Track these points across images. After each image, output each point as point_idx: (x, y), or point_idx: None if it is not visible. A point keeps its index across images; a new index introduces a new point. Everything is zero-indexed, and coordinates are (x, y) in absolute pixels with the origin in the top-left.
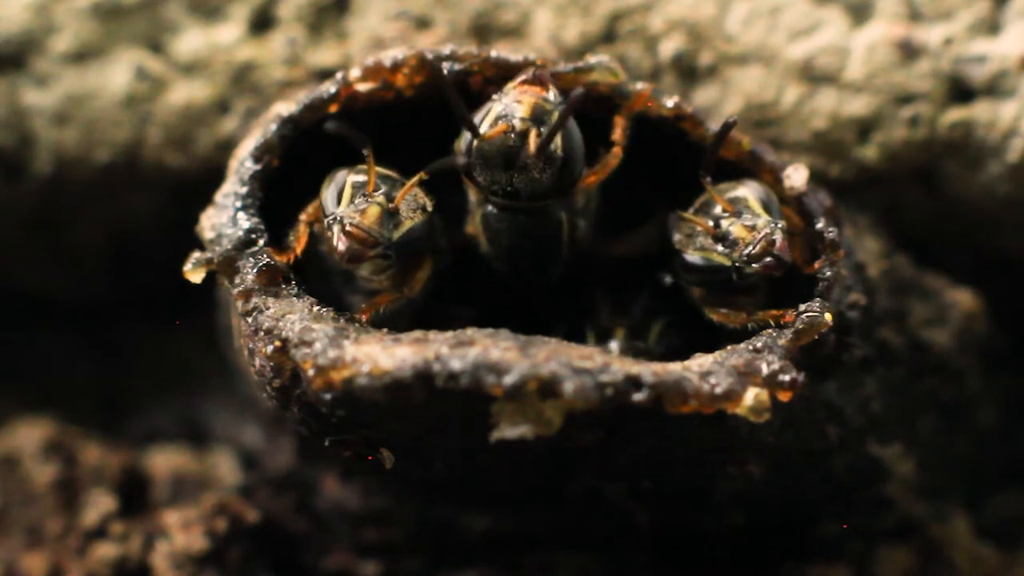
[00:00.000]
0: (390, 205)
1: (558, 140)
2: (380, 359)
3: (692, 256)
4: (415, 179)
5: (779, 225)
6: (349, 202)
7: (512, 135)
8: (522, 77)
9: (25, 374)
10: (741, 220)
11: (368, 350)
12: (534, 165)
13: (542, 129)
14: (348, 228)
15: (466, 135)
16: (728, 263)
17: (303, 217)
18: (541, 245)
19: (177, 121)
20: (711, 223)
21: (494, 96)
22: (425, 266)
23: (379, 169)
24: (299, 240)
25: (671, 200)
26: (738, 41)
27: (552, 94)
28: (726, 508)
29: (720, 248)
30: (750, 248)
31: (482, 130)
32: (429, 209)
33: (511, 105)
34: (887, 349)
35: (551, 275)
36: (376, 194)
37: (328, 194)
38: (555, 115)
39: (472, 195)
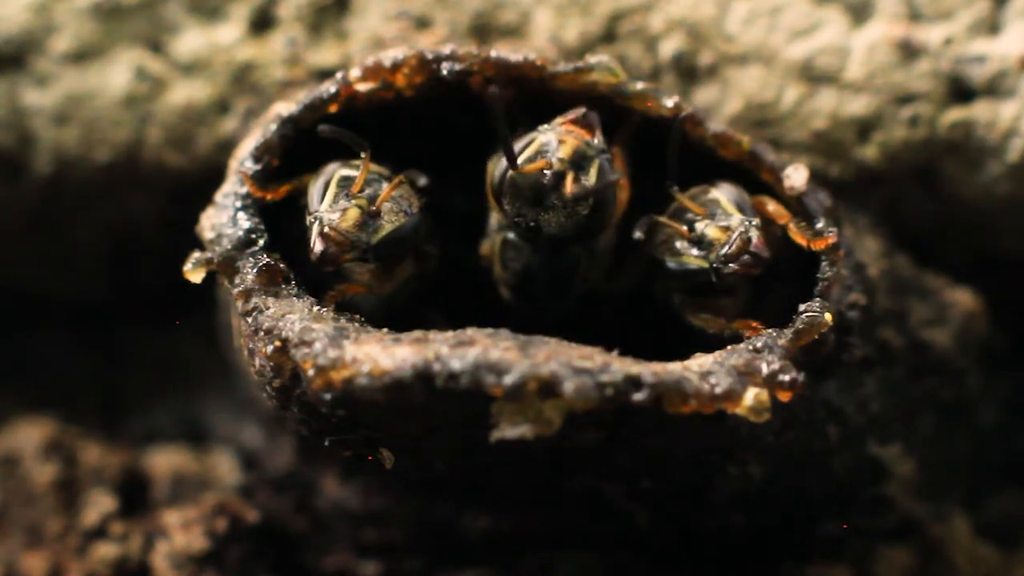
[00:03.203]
0: (372, 207)
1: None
2: (380, 359)
3: (671, 262)
4: (395, 182)
5: (753, 223)
6: (332, 201)
7: (548, 173)
8: (571, 115)
9: (25, 374)
10: (715, 221)
11: (368, 350)
12: (562, 208)
13: (580, 174)
14: (325, 230)
15: (503, 161)
16: (706, 265)
17: (295, 181)
18: (554, 281)
19: (177, 121)
20: (686, 227)
21: (540, 127)
22: (404, 267)
23: (372, 166)
24: (280, 189)
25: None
26: (738, 41)
27: (597, 139)
28: (726, 508)
29: (696, 251)
30: (726, 248)
31: (521, 158)
32: (414, 211)
33: (553, 142)
34: (887, 349)
35: (557, 309)
36: (360, 195)
37: (315, 189)
38: (596, 161)
39: (494, 219)
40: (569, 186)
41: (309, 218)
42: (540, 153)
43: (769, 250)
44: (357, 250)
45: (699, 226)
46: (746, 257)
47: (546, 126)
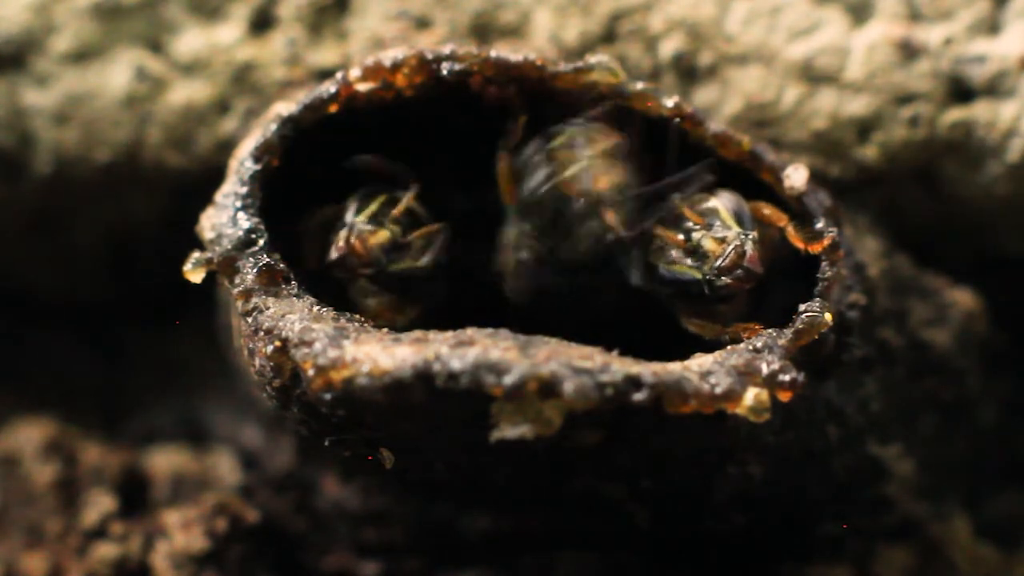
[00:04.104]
0: (402, 239)
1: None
2: (380, 359)
3: (664, 270)
4: (435, 228)
5: (750, 236)
6: (370, 215)
7: (581, 201)
8: (599, 110)
9: (25, 374)
10: (712, 232)
11: (368, 350)
12: (584, 238)
13: (612, 210)
14: (352, 239)
15: (537, 174)
16: (699, 276)
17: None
18: (566, 301)
19: (177, 121)
20: (682, 236)
21: (570, 120)
22: (417, 305)
23: (414, 204)
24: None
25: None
26: (738, 41)
27: (626, 168)
28: (726, 508)
29: (690, 261)
30: (720, 261)
31: (554, 143)
32: (437, 258)
33: (582, 143)
34: (887, 349)
35: (568, 323)
36: (398, 222)
37: (354, 201)
38: (626, 204)
39: (511, 235)
40: (610, 219)
41: (340, 223)
42: (569, 145)
43: (765, 262)
44: (371, 269)
45: (695, 236)
46: (739, 271)
47: (578, 119)
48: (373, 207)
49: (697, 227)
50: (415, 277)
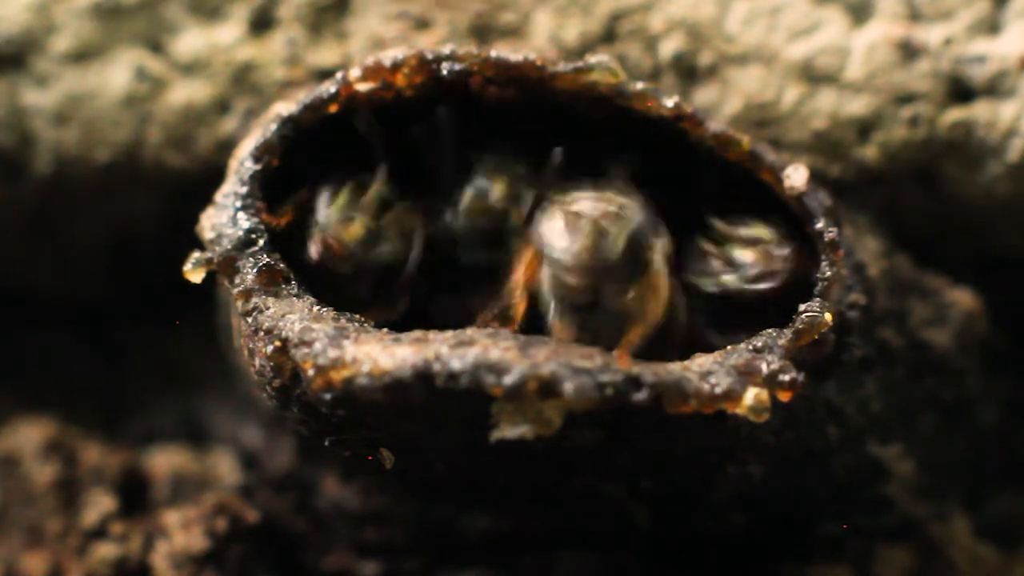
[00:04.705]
0: (377, 226)
1: None
2: (380, 359)
3: (705, 284)
4: (405, 207)
5: (784, 243)
6: (341, 209)
7: (488, 217)
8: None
9: (25, 374)
10: (746, 244)
11: (368, 350)
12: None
13: (520, 205)
14: (328, 239)
15: (447, 214)
16: (737, 284)
17: (299, 197)
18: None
19: (177, 121)
20: (716, 248)
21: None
22: (404, 295)
23: (385, 185)
24: (288, 212)
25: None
26: (738, 41)
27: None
28: (726, 508)
29: (728, 272)
30: (756, 268)
31: (461, 206)
32: (417, 239)
33: (486, 184)
34: (887, 349)
35: None
36: (369, 210)
37: (324, 194)
38: (528, 191)
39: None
40: (516, 216)
41: (313, 219)
42: (478, 197)
43: (800, 266)
44: (350, 265)
45: (729, 247)
46: (774, 273)
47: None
48: (342, 199)
49: (732, 239)
50: (397, 263)
